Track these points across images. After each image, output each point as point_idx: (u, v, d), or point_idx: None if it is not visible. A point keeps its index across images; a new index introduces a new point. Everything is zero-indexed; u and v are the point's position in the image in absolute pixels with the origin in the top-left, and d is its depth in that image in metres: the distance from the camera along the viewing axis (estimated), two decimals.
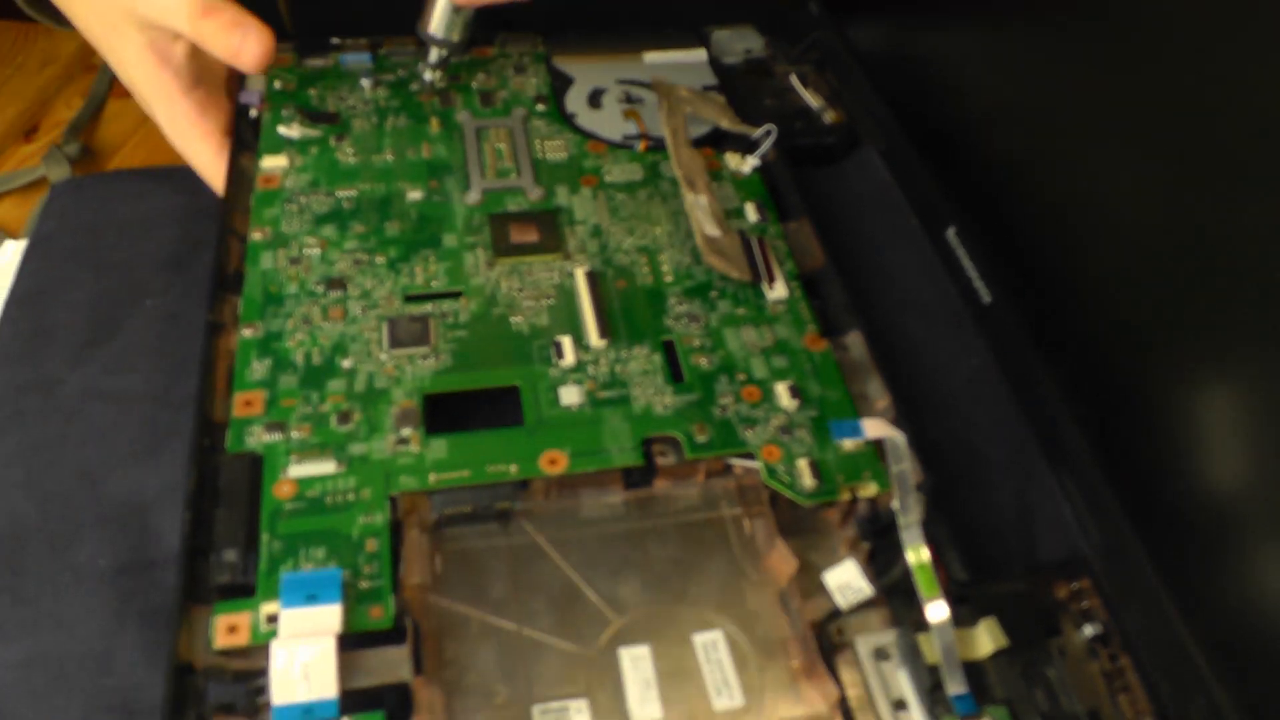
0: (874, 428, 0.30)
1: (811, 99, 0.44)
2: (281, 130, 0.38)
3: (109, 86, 0.49)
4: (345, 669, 0.25)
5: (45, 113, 0.48)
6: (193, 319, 0.35)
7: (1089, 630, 0.28)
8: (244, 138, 0.39)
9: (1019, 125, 0.36)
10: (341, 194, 0.37)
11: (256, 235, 0.35)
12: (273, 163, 0.38)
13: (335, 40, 0.43)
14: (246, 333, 0.32)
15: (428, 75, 0.41)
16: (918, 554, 0.28)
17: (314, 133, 0.39)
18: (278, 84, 0.41)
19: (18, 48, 0.52)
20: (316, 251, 0.35)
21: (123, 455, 0.32)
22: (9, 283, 0.37)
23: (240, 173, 0.37)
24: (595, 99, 0.43)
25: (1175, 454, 0.28)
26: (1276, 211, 0.24)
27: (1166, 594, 0.28)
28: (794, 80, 0.45)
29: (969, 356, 0.36)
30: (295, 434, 0.30)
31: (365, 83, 0.41)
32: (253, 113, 0.40)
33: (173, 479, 0.31)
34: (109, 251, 0.38)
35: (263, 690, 0.25)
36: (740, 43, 0.47)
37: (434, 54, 0.40)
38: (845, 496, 0.30)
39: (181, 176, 0.41)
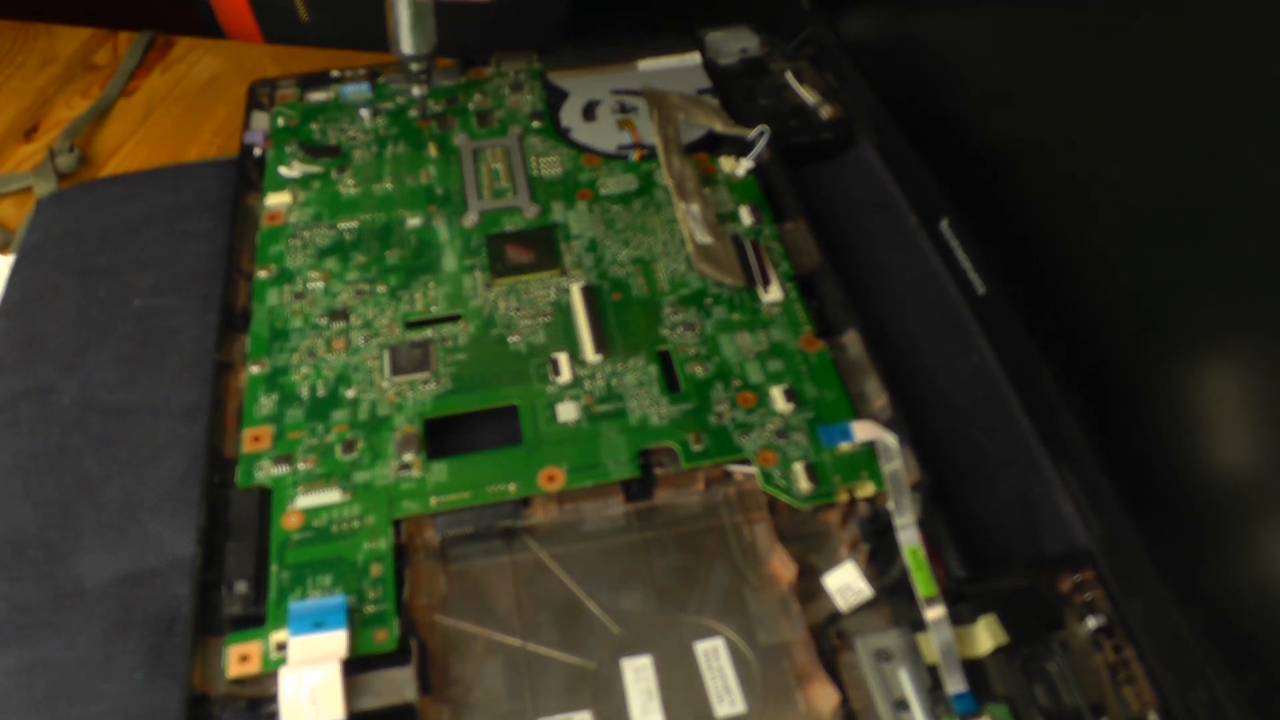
0: (864, 430, 0.30)
1: (807, 95, 0.44)
2: (282, 171, 0.40)
3: (118, 92, 0.49)
4: (352, 692, 0.26)
5: (45, 113, 0.49)
6: (181, 317, 0.37)
7: (1093, 622, 0.28)
8: (249, 177, 0.40)
9: (1012, 113, 0.36)
10: (343, 226, 0.38)
11: (262, 273, 0.36)
12: (277, 200, 0.39)
13: (335, 72, 0.44)
14: (254, 369, 0.33)
15: (416, 91, 0.41)
16: (914, 554, 0.28)
17: (315, 169, 0.40)
18: (281, 121, 0.42)
19: (18, 48, 0.53)
20: (320, 285, 0.36)
21: (122, 464, 0.33)
22: None
23: (246, 212, 0.39)
24: (589, 111, 0.43)
25: (1176, 443, 0.28)
26: (1274, 199, 0.24)
27: (1168, 585, 0.27)
28: (789, 78, 0.45)
29: (968, 352, 0.36)
30: (302, 465, 0.31)
31: (364, 113, 0.42)
32: (257, 151, 0.41)
33: (172, 487, 0.32)
34: (94, 257, 0.39)
35: (274, 716, 0.26)
36: (735, 43, 0.47)
37: (415, 67, 0.40)
38: (843, 498, 0.30)
39: (165, 176, 0.42)
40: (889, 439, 0.30)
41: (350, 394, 0.33)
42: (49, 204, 0.41)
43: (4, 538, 0.31)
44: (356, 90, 0.44)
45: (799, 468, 0.31)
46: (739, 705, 0.27)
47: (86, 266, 0.39)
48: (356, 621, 0.27)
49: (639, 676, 0.28)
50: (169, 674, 0.28)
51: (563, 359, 0.34)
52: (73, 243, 0.40)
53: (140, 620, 0.29)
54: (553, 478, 0.30)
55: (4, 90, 0.50)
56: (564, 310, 0.35)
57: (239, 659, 0.27)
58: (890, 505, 0.29)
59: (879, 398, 0.33)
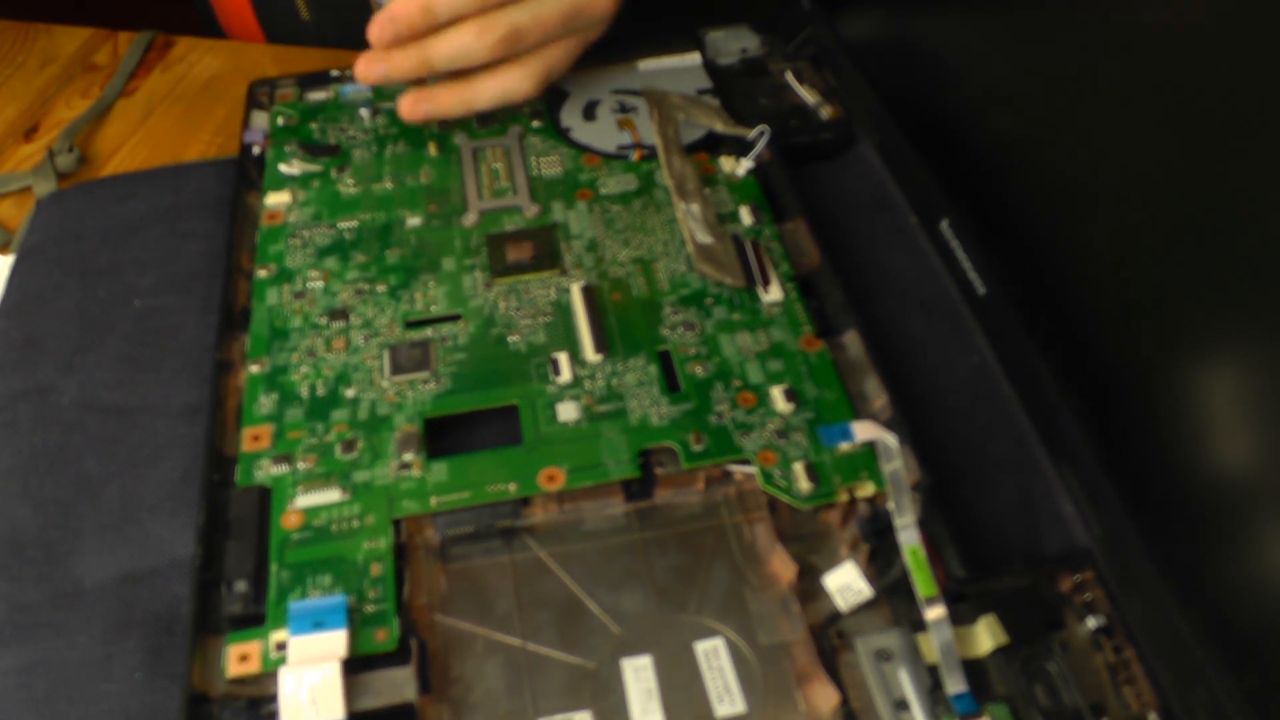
0: (864, 430, 0.30)
1: (807, 95, 0.44)
2: (282, 168, 0.40)
3: (118, 92, 0.49)
4: (352, 691, 0.26)
5: (45, 113, 0.49)
6: (181, 317, 0.37)
7: (1093, 622, 0.28)
8: (249, 176, 0.40)
9: (1012, 113, 0.35)
10: (343, 225, 0.38)
11: (262, 273, 0.36)
12: (276, 199, 0.39)
13: (335, 72, 0.44)
14: (254, 369, 0.33)
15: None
16: (914, 554, 0.28)
17: (314, 167, 0.40)
18: (280, 120, 0.42)
19: (18, 48, 0.53)
20: (319, 284, 0.36)
21: (122, 464, 0.33)
22: None
23: (245, 211, 0.39)
24: (589, 111, 0.43)
25: (1176, 443, 0.28)
26: (1273, 199, 0.24)
27: (1168, 584, 0.27)
28: (789, 78, 0.45)
29: (968, 352, 0.36)
30: (302, 465, 0.31)
31: (364, 112, 0.42)
32: (255, 150, 0.41)
33: (172, 487, 0.32)
34: (93, 257, 0.39)
35: (274, 715, 0.26)
36: (735, 43, 0.47)
37: None
38: (843, 498, 0.30)
39: (164, 176, 0.42)
40: (889, 439, 0.30)
41: (350, 393, 0.33)
42: (49, 204, 0.41)
43: (4, 538, 0.31)
44: (356, 90, 0.44)
45: (799, 468, 0.31)
46: (739, 705, 0.27)
47: (86, 266, 0.39)
48: (356, 621, 0.27)
49: (639, 676, 0.28)
50: (169, 674, 0.28)
51: (563, 359, 0.34)
52: (73, 243, 0.40)
53: (140, 620, 0.29)
54: (553, 477, 0.30)
55: (4, 90, 0.50)
56: (564, 310, 0.35)
57: (239, 658, 0.27)
58: (890, 505, 0.29)
59: (879, 398, 0.33)
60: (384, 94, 0.44)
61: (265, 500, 0.30)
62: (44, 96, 0.50)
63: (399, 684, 0.27)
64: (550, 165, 0.41)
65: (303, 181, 0.40)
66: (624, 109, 0.43)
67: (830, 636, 0.28)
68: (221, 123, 0.47)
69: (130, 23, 0.54)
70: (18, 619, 0.29)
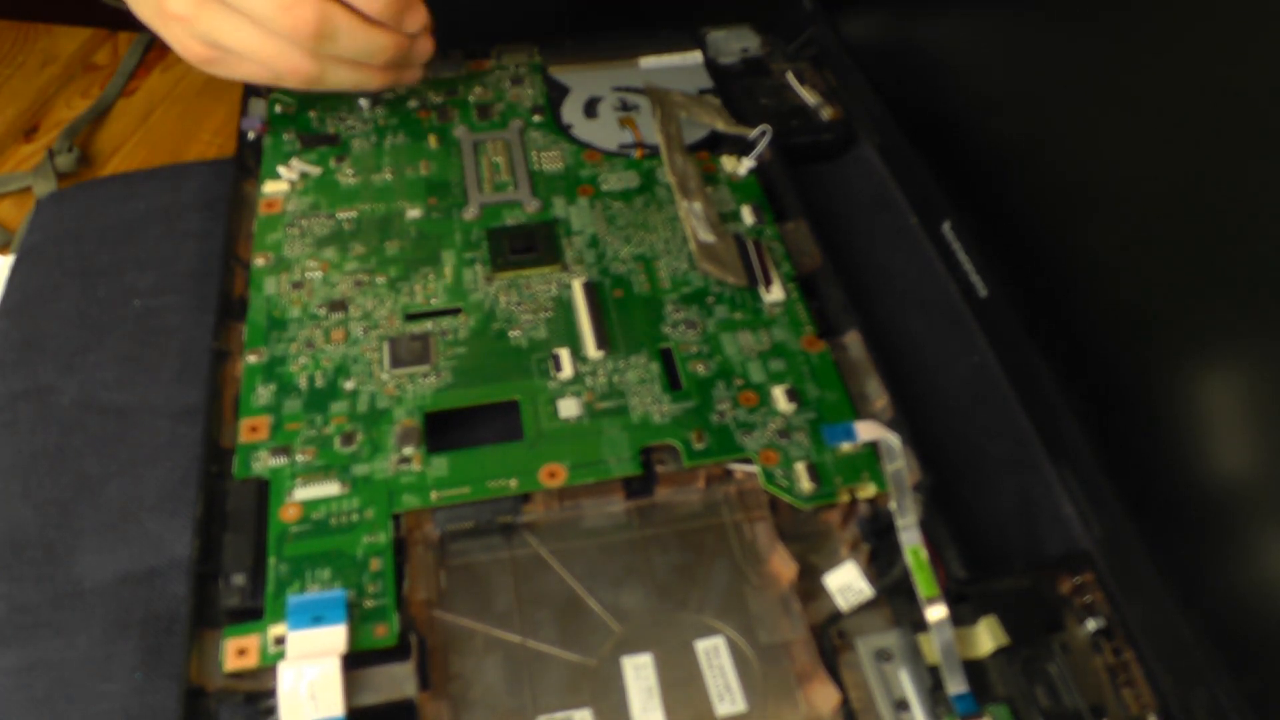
0: (867, 430, 0.30)
1: (808, 96, 0.44)
2: (281, 171, 0.39)
3: (118, 92, 0.49)
4: (351, 687, 0.26)
5: (45, 113, 0.49)
6: (181, 317, 0.37)
7: (1092, 625, 0.28)
8: (246, 163, 0.40)
9: (1014, 115, 0.36)
10: (342, 215, 0.38)
11: (260, 261, 0.36)
12: (274, 187, 0.39)
13: None
14: (251, 359, 0.33)
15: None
16: (916, 554, 0.28)
17: (313, 170, 0.40)
18: (278, 108, 0.42)
19: (18, 48, 0.52)
20: (318, 274, 0.36)
21: (122, 464, 0.33)
22: None
23: (242, 199, 0.38)
24: (591, 108, 0.43)
25: (1176, 445, 0.28)
26: (1274, 202, 0.24)
27: (1168, 586, 0.27)
28: (790, 78, 0.45)
29: (969, 353, 0.36)
30: (300, 457, 0.31)
31: (363, 102, 0.42)
32: (250, 135, 0.41)
33: (172, 487, 0.32)
34: (93, 257, 0.39)
35: (272, 711, 0.25)
36: (736, 42, 0.47)
37: None
38: (844, 498, 0.30)
39: (163, 176, 0.42)
40: (893, 439, 0.30)
41: (349, 385, 0.32)
42: (49, 204, 0.41)
43: (4, 538, 0.31)
44: None
45: (800, 468, 0.31)
46: (739, 704, 0.27)
47: (86, 266, 0.39)
48: (356, 616, 0.27)
49: (639, 674, 0.28)
50: (169, 673, 0.28)
51: (564, 354, 0.33)
52: (73, 243, 0.39)
53: (140, 620, 0.29)
54: (554, 474, 0.30)
55: (4, 90, 0.50)
56: (565, 306, 0.35)
57: (236, 652, 0.26)
58: (892, 505, 0.29)
59: (880, 398, 0.33)
60: None
61: (263, 492, 0.30)
62: (44, 96, 0.49)
63: (399, 680, 0.26)
64: (551, 160, 0.41)
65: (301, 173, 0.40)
66: (625, 107, 0.43)
67: (831, 636, 0.28)
68: (221, 123, 0.47)
69: (130, 23, 0.53)
70: (18, 619, 0.29)
